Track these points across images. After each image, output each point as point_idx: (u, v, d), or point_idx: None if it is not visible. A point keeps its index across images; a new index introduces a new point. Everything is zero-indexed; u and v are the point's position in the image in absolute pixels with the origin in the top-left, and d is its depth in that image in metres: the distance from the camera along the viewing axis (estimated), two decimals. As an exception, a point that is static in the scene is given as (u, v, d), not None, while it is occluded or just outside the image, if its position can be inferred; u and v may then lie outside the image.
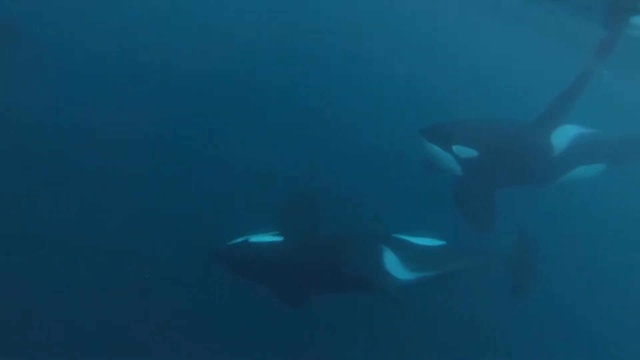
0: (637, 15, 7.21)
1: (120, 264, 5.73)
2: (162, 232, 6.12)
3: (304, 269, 5.26)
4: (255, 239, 5.30)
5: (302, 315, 5.35)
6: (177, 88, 8.51)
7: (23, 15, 8.19)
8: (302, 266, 5.26)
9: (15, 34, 7.79)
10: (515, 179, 6.21)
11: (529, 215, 6.74)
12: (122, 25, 9.53)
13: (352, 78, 9.58)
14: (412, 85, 9.47)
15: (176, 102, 8.20)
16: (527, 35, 12.34)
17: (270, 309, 5.35)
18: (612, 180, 6.53)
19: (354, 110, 8.81)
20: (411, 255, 5.51)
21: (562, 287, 7.02)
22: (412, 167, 6.43)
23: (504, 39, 12.80)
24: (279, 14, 11.48)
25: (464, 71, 10.72)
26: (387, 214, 6.53)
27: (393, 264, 5.38)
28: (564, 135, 6.08)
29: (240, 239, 5.28)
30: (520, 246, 6.56)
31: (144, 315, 5.35)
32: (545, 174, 6.24)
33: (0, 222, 5.91)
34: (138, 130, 7.46)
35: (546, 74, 9.80)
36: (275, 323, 5.52)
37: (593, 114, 6.16)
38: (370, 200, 6.95)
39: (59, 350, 4.95)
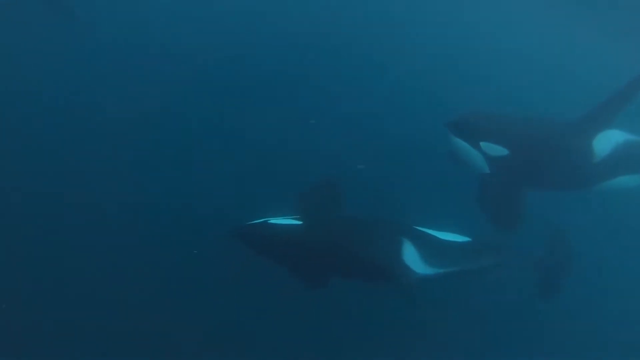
0: None
1: (140, 240, 5.86)
2: (183, 209, 6.20)
3: (321, 254, 5.23)
4: (275, 220, 5.30)
5: (318, 299, 5.34)
6: (202, 67, 8.46)
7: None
8: (318, 250, 5.22)
9: (65, 8, 8.04)
10: (548, 183, 5.85)
11: (563, 212, 6.37)
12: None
13: (381, 61, 9.23)
14: (448, 69, 8.99)
15: (202, 82, 8.17)
16: (580, 20, 11.46)
17: (286, 291, 5.38)
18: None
19: (382, 93, 8.47)
20: (432, 250, 5.38)
21: (594, 289, 6.69)
22: (442, 158, 6.14)
23: (554, 21, 11.92)
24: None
25: (503, 57, 10.08)
26: (411, 204, 6.31)
27: (411, 256, 5.26)
28: (607, 140, 5.64)
29: (259, 220, 5.29)
30: (552, 245, 6.27)
31: (161, 290, 5.47)
32: (582, 181, 5.85)
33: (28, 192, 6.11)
34: (160, 109, 7.47)
35: (601, 69, 9.09)
36: (290, 305, 5.53)
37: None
38: (394, 190, 6.75)
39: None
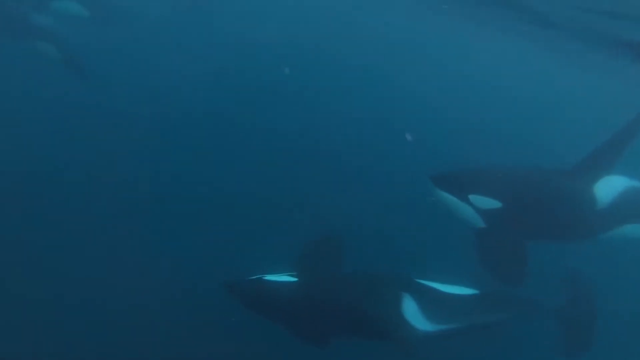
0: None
1: (139, 291, 5.84)
2: (181, 263, 6.24)
3: (317, 312, 5.08)
4: (270, 277, 5.22)
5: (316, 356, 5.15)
6: (198, 122, 8.88)
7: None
8: (314, 308, 5.08)
9: (80, 67, 9.47)
10: (549, 234, 5.53)
11: (581, 257, 5.99)
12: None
13: (383, 114, 9.41)
14: (450, 123, 8.99)
15: (201, 135, 8.50)
16: (571, 67, 11.33)
17: (283, 348, 5.24)
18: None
19: (381, 148, 8.64)
20: (434, 304, 5.13)
21: (625, 344, 6.15)
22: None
23: (542, 68, 11.88)
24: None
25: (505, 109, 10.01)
26: (415, 257, 6.13)
27: (413, 312, 5.03)
28: (609, 186, 5.36)
29: (255, 276, 5.24)
30: (572, 295, 5.87)
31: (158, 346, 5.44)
32: (586, 230, 5.52)
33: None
34: (157, 161, 7.84)
35: (594, 115, 8.86)
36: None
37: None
38: (396, 242, 6.60)
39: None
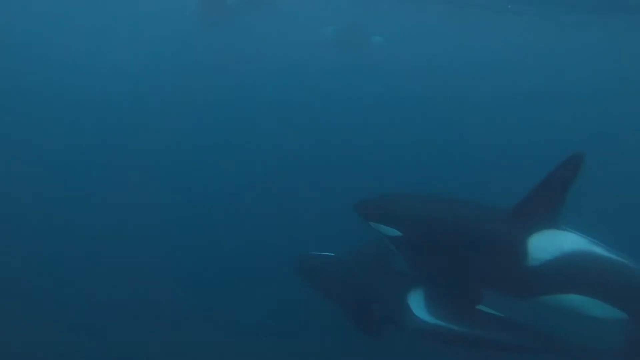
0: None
1: (215, 265, 6.97)
2: (260, 236, 7.41)
3: (357, 288, 5.83)
4: (329, 254, 6.17)
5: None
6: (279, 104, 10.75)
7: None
8: (356, 284, 5.84)
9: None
10: (471, 277, 5.02)
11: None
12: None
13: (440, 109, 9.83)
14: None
15: (281, 118, 10.20)
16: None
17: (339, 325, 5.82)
18: None
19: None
20: (441, 302, 5.38)
21: None
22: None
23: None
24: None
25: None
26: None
27: (417, 301, 5.43)
28: (552, 241, 4.60)
29: (318, 253, 6.17)
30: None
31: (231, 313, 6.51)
32: (514, 286, 4.91)
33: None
34: (233, 140, 9.69)
35: None
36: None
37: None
38: None
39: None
